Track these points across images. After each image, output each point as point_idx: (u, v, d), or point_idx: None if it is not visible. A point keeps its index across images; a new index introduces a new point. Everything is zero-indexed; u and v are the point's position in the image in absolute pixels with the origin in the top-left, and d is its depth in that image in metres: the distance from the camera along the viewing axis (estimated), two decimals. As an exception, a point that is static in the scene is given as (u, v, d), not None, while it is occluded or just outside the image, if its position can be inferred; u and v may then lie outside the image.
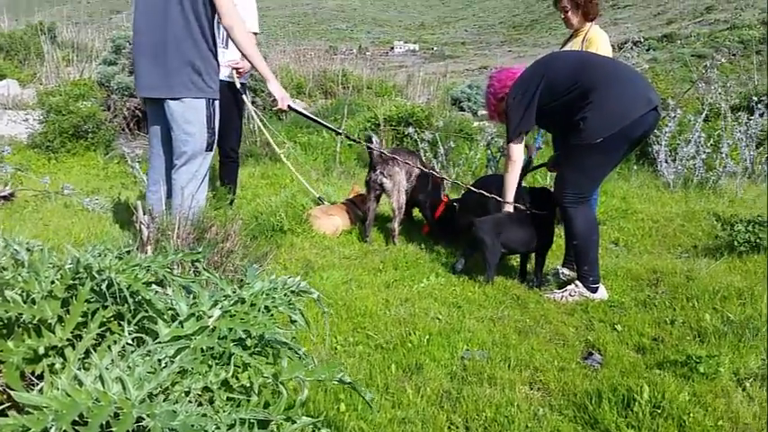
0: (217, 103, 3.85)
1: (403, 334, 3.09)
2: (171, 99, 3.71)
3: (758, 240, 4.14)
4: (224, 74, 4.95)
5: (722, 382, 2.55)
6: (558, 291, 3.78)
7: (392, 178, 4.78)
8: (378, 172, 4.81)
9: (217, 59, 3.86)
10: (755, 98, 7.31)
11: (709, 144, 6.56)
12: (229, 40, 4.96)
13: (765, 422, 2.30)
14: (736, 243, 4.23)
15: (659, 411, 2.31)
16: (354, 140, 5.48)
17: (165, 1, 3.61)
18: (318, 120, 4.80)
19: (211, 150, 3.91)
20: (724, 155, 6.42)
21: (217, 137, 3.94)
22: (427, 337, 3.04)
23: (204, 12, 3.68)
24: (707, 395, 2.44)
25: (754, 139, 6.82)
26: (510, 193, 4.03)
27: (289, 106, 4.18)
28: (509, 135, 3.92)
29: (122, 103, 8.49)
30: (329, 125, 4.99)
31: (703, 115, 7.09)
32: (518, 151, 3.93)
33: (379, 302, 3.55)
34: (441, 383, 2.62)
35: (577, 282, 3.74)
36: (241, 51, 3.91)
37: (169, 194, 3.79)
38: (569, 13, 4.73)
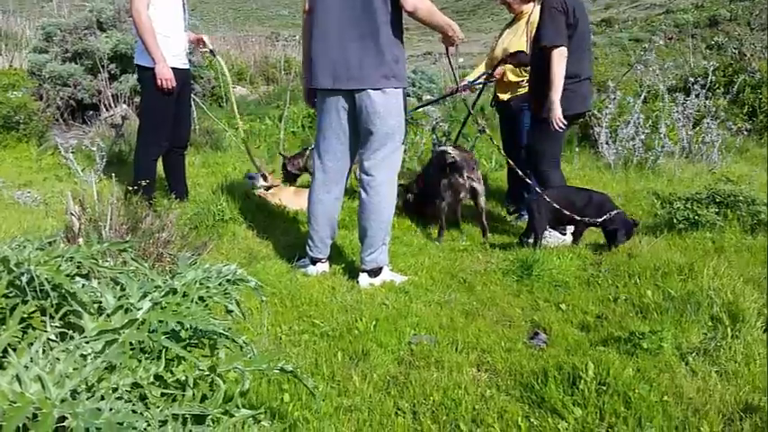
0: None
1: (349, 321, 3.04)
2: (372, 89, 3.41)
3: (696, 217, 4.22)
4: (181, 61, 4.77)
5: (665, 357, 2.58)
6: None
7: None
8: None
9: None
10: (692, 79, 7.46)
11: (647, 125, 6.67)
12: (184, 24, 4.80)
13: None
14: (675, 220, 4.30)
15: (605, 388, 2.31)
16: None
17: None
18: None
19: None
20: (662, 135, 6.52)
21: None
22: (374, 323, 2.99)
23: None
24: (651, 371, 2.46)
25: (691, 119, 6.95)
26: (558, 87, 4.05)
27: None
28: (552, 39, 4.03)
29: (55, 92, 8.13)
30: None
31: (642, 97, 7.22)
32: (566, 52, 4.03)
33: (325, 290, 3.49)
34: (387, 369, 2.59)
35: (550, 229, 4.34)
36: (428, 23, 3.47)
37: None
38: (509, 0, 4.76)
